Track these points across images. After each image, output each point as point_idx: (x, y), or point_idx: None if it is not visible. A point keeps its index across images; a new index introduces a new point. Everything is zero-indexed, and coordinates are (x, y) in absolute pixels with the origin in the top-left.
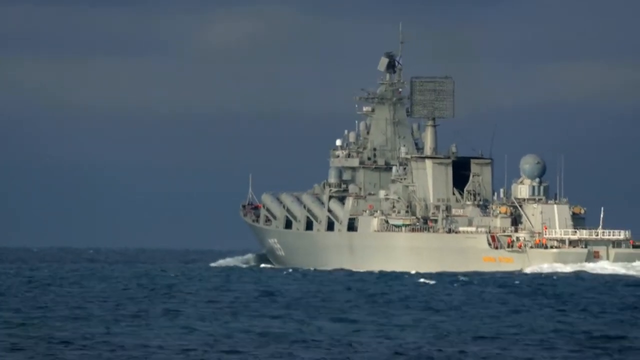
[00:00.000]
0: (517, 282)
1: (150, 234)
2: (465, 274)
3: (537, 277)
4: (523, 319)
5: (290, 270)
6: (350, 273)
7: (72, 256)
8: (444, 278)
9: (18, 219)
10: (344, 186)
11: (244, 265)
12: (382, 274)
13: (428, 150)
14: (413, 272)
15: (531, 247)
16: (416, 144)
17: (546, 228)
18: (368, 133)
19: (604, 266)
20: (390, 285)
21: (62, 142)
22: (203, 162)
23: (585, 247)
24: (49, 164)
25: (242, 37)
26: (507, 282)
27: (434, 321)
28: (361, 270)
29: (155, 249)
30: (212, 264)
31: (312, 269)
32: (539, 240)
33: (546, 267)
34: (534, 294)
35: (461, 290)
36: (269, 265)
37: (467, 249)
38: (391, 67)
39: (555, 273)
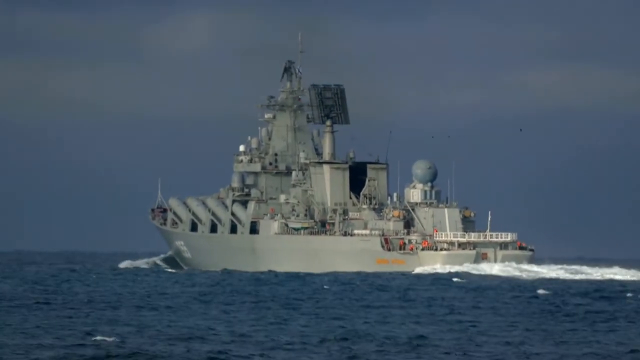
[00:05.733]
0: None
1: (61, 236)
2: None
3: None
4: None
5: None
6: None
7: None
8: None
9: None
10: (246, 190)
11: (146, 266)
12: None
13: (326, 156)
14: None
15: (422, 250)
16: (316, 150)
17: (437, 231)
18: (270, 139)
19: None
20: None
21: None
22: (113, 165)
23: (474, 249)
24: None
25: (154, 43)
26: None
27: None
28: (263, 271)
29: (65, 250)
30: (120, 265)
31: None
32: (426, 243)
33: (436, 268)
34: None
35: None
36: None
37: (362, 251)
38: (291, 75)
39: (434, 274)
